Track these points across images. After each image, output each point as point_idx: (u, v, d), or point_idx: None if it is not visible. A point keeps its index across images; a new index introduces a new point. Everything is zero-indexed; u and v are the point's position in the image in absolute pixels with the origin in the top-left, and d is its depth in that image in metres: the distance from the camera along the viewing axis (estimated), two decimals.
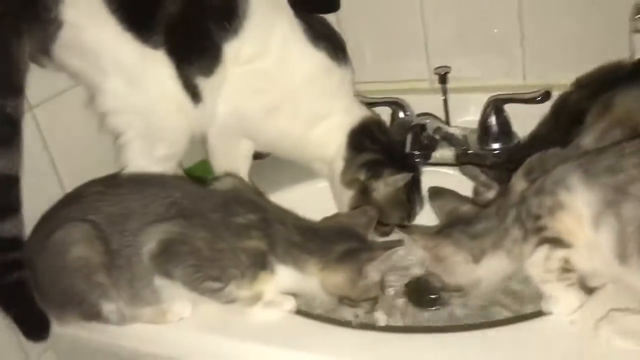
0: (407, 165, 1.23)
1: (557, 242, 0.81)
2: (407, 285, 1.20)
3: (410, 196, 1.22)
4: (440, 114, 1.39)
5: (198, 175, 1.31)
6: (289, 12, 1.18)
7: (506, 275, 0.95)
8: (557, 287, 0.84)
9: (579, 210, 0.78)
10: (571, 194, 0.79)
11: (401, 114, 1.38)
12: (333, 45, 1.21)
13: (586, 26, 1.27)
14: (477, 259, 0.92)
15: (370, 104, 1.38)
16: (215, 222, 0.95)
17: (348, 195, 1.22)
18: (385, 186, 1.18)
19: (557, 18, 1.29)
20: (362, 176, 1.20)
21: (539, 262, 0.83)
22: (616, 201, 0.75)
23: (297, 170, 1.34)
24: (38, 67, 1.07)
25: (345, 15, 1.44)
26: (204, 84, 1.10)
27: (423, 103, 1.41)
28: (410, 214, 1.23)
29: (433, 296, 1.14)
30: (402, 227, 1.15)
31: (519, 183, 0.89)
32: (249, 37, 1.12)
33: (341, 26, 1.45)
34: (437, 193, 1.05)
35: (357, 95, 1.36)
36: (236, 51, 1.12)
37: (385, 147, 1.22)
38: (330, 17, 1.42)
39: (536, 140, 1.11)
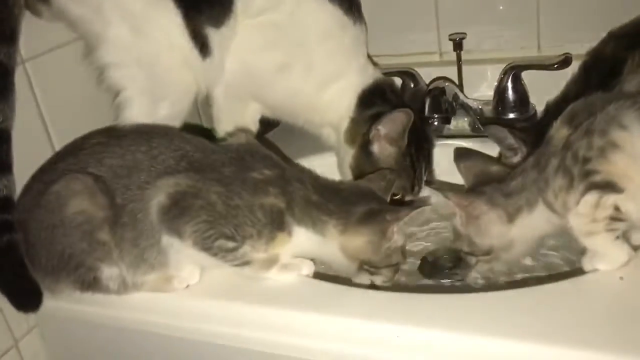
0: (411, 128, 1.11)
1: (608, 186, 0.74)
2: (421, 260, 1.13)
3: (415, 164, 1.14)
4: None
5: None
6: None
7: (540, 236, 0.89)
8: (604, 239, 0.78)
9: (635, 149, 0.72)
10: (626, 132, 0.73)
11: (412, 85, 1.31)
12: (348, 1, 1.14)
13: None
14: (512, 218, 0.86)
15: None
16: (230, 177, 0.87)
17: (350, 154, 1.14)
18: (385, 139, 1.09)
19: None
20: (364, 129, 1.12)
21: (586, 211, 0.76)
22: None
23: (303, 144, 1.27)
24: (33, 18, 0.99)
25: None
26: (214, 35, 1.03)
27: (433, 77, 1.34)
28: (414, 183, 1.14)
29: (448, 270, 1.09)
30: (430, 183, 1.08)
31: (560, 130, 0.82)
32: None
33: None
34: (464, 154, 0.99)
35: None
36: (247, 1, 1.05)
37: (396, 105, 1.14)
38: None
39: (566, 101, 1.04)
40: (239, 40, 1.07)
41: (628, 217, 0.76)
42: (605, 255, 0.79)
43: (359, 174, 1.11)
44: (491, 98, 1.28)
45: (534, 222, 0.86)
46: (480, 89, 1.35)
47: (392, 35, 1.41)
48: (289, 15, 1.08)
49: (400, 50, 1.42)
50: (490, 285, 0.93)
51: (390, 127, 1.09)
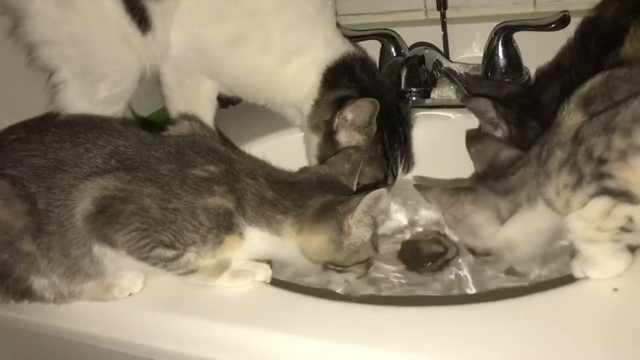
0: (382, 109, 0.98)
1: (623, 195, 0.62)
2: (402, 246, 1.03)
3: (388, 152, 1.02)
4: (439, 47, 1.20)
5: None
6: None
7: (549, 232, 0.77)
8: (605, 249, 0.67)
9: None
10: None
11: (392, 46, 1.18)
12: None
13: None
14: (503, 218, 0.76)
15: (356, 38, 1.18)
16: (167, 176, 0.76)
17: (315, 142, 1.02)
18: (351, 126, 0.97)
19: None
20: (328, 115, 0.99)
21: (593, 217, 0.65)
22: None
23: (271, 118, 1.15)
24: None
25: None
26: (153, 6, 0.91)
27: (417, 37, 1.21)
28: (387, 173, 1.03)
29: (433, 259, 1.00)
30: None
31: (571, 115, 0.68)
32: None
33: None
34: (475, 136, 0.88)
35: (341, 28, 1.17)
36: None
37: (364, 86, 1.01)
38: None
39: (559, 71, 0.92)
40: (184, 10, 0.94)
41: None
42: (601, 264, 0.68)
43: None
44: (480, 61, 1.15)
45: (537, 219, 0.74)
46: (468, 50, 1.22)
47: None
48: None
49: (382, 8, 1.29)
50: (479, 296, 0.83)
51: (356, 114, 0.96)
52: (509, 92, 0.98)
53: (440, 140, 1.12)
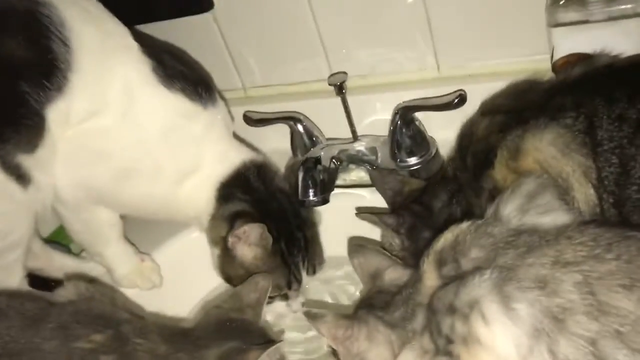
0: (279, 217, 1.02)
1: None
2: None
3: (288, 259, 1.03)
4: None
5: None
6: (131, 50, 0.94)
7: None
8: None
9: (499, 349, 0.60)
10: (489, 327, 0.60)
11: (300, 127, 1.17)
12: (193, 83, 0.98)
13: (497, 6, 1.06)
14: (396, 353, 0.75)
15: (263, 122, 1.18)
16: (53, 353, 0.76)
17: (216, 254, 1.03)
18: (245, 243, 0.99)
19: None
20: (224, 232, 1.00)
21: None
22: (551, 331, 0.57)
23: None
24: None
25: (223, 15, 1.22)
26: (29, 161, 0.89)
27: (326, 106, 1.20)
28: (290, 280, 1.04)
29: None
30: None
31: (428, 275, 0.70)
32: (78, 93, 0.90)
33: (221, 28, 1.24)
34: (358, 249, 0.87)
35: (249, 113, 1.19)
36: (64, 112, 0.90)
37: (259, 196, 1.02)
38: (207, 18, 1.22)
39: (446, 179, 0.91)
40: (66, 154, 0.92)
41: None
42: None
43: (227, 277, 1.03)
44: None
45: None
46: (378, 114, 1.21)
47: (276, 66, 1.27)
48: (118, 118, 0.93)
49: (289, 79, 1.27)
50: None
51: (247, 234, 0.98)
52: (411, 189, 0.97)
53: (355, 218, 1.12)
